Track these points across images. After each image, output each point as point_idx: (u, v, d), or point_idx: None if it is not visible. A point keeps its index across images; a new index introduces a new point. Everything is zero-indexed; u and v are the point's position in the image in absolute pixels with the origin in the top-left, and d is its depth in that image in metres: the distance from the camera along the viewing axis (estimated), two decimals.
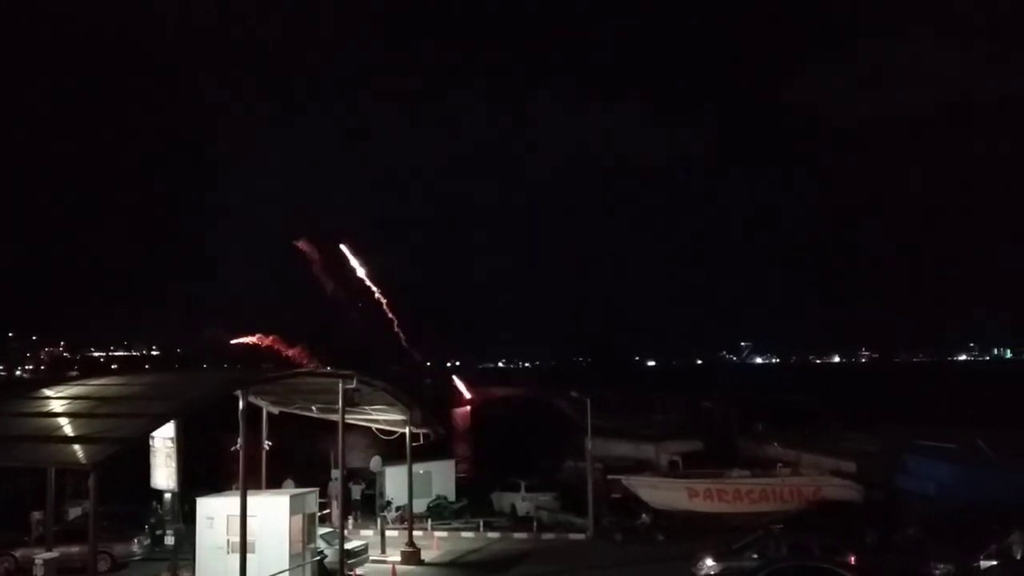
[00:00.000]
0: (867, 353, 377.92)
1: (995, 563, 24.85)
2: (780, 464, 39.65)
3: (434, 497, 39.28)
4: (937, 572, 25.48)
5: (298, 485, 31.44)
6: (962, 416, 56.10)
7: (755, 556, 25.68)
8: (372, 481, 38.67)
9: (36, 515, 31.34)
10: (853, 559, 24.89)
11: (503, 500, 40.23)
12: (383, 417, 32.04)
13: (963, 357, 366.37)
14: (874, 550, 27.99)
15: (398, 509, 36.35)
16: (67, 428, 21.78)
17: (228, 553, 24.79)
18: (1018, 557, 24.82)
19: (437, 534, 34.79)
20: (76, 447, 20.50)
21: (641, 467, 43.17)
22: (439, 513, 37.97)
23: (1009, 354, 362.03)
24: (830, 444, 43.65)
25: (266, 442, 30.43)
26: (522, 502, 39.12)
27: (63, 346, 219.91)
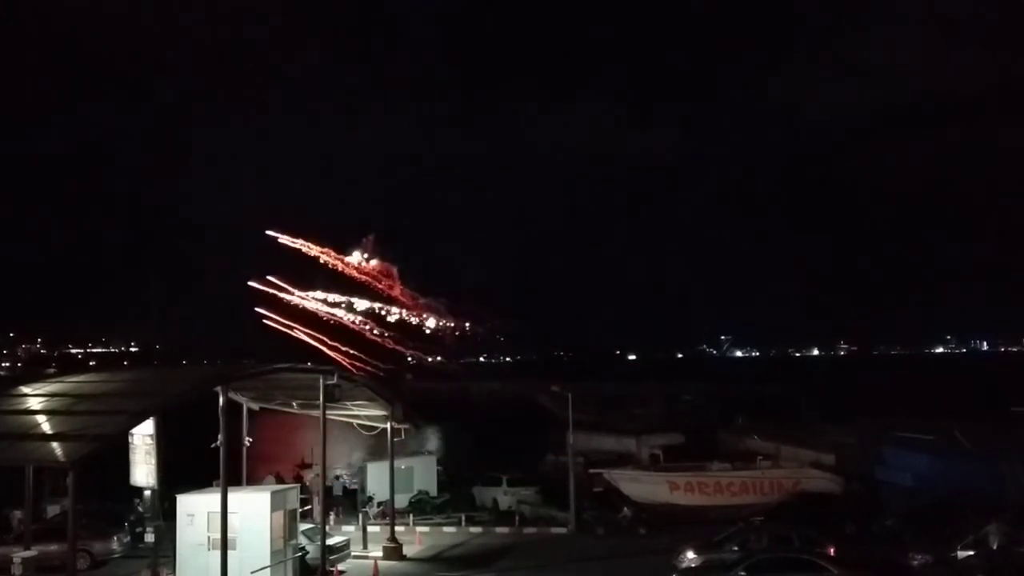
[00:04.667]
0: (846, 346, 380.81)
1: (972, 553, 25.13)
2: (760, 457, 39.92)
3: (416, 492, 39.24)
4: (915, 562, 25.75)
5: (279, 481, 31.39)
6: (939, 408, 56.60)
7: (736, 548, 25.84)
8: (354, 476, 38.60)
9: (16, 514, 31.07)
10: (832, 550, 25.09)
11: (485, 495, 40.25)
12: (364, 412, 32.00)
13: (940, 349, 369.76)
14: (853, 541, 28.24)
15: (380, 504, 36.30)
16: (45, 426, 21.62)
17: (209, 550, 24.67)
18: (995, 547, 25.10)
19: (419, 529, 34.81)
20: (54, 445, 20.35)
21: (623, 461, 43.34)
22: (421, 508, 37.95)
23: (985, 346, 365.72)
24: (809, 436, 43.97)
25: (246, 438, 30.34)
26: (504, 496, 39.14)
27: (40, 343, 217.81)
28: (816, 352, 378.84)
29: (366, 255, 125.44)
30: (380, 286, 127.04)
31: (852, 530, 30.34)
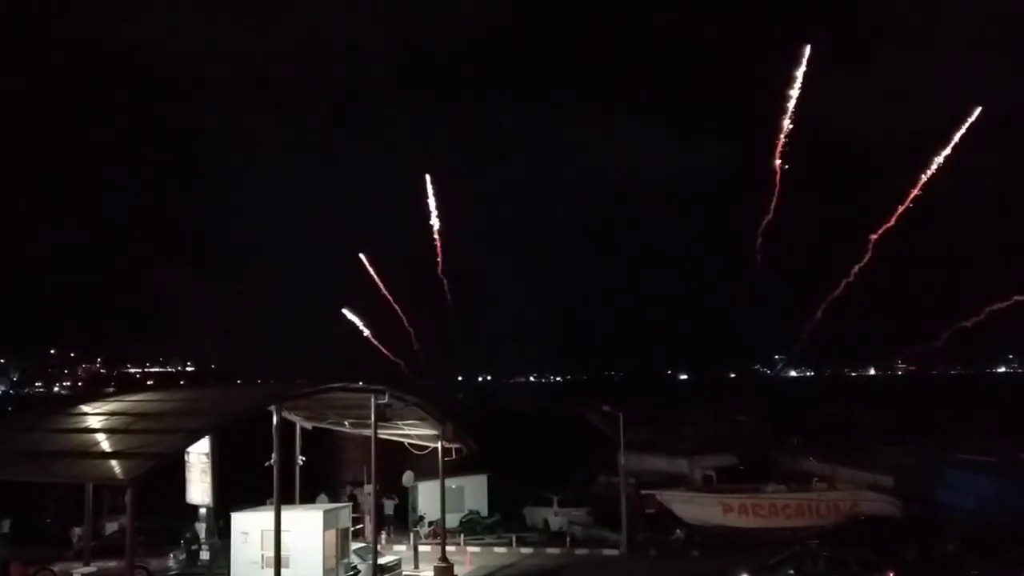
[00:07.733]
0: (904, 366, 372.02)
1: None
2: (816, 478, 39.18)
3: (467, 512, 39.20)
4: None
5: (331, 500, 31.63)
6: (1002, 429, 55.13)
7: (792, 572, 25.44)
8: (405, 496, 38.70)
9: (77, 530, 31.75)
10: (892, 575, 24.53)
11: (536, 515, 40.07)
12: (415, 432, 32.11)
13: (1002, 369, 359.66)
14: (913, 565, 27.60)
15: (431, 524, 36.35)
16: (104, 444, 22.08)
17: (262, 568, 24.99)
18: None
19: (470, 549, 34.73)
20: (113, 463, 20.78)
21: (675, 482, 42.79)
22: (472, 528, 37.90)
23: None
24: (867, 458, 43.04)
25: (300, 457, 30.65)
26: (555, 517, 38.94)
27: (100, 362, 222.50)
28: (873, 372, 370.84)
29: None
30: None
31: (912, 554, 29.59)
